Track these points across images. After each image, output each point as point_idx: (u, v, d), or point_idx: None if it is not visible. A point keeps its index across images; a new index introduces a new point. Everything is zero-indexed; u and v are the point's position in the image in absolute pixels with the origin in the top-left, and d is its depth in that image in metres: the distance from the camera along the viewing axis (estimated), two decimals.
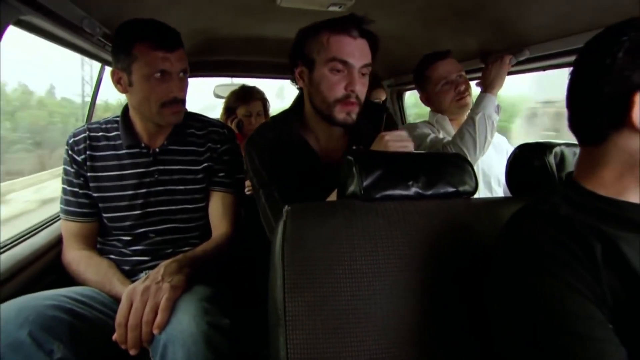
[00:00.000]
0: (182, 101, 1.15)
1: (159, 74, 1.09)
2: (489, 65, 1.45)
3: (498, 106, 1.41)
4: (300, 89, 1.17)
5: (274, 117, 1.24)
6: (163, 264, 1.00)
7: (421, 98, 1.65)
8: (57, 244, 1.25)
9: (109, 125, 1.22)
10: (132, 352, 0.90)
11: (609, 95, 0.60)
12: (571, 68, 0.67)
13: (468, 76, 1.62)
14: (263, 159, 1.12)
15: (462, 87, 1.53)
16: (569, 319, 0.53)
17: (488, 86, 1.42)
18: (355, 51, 1.02)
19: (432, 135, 1.51)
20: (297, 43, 1.09)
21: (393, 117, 1.36)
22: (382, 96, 2.47)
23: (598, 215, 0.61)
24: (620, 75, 0.58)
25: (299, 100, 1.18)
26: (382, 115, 1.22)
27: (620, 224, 0.59)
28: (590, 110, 0.63)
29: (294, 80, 1.16)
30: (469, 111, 1.44)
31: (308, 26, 1.08)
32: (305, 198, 0.94)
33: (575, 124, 0.67)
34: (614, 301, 0.55)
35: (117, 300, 1.02)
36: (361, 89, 1.05)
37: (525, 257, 0.59)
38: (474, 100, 1.48)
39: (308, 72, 1.07)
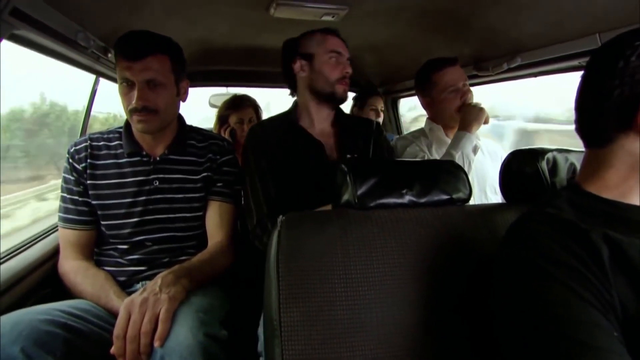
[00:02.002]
0: (148, 110, 1.13)
1: (124, 83, 1.13)
2: (467, 107, 1.47)
3: (476, 146, 1.42)
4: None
5: (277, 114, 1.46)
6: (160, 275, 1.00)
7: (422, 102, 1.63)
8: (52, 256, 1.24)
9: (110, 135, 1.24)
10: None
11: (619, 97, 0.60)
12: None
13: None
14: (259, 151, 1.28)
15: (466, 98, 1.51)
16: (572, 325, 0.53)
17: (467, 126, 1.44)
18: (343, 46, 1.34)
19: (420, 156, 1.51)
20: (291, 47, 1.36)
21: (384, 136, 1.48)
22: (381, 103, 2.47)
23: (603, 219, 0.61)
24: (631, 78, 0.59)
25: (296, 102, 1.43)
26: (371, 126, 1.46)
27: (625, 227, 0.59)
28: (599, 112, 0.63)
29: (288, 80, 1.41)
30: (448, 146, 1.45)
31: (292, 38, 1.37)
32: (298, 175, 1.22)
33: (582, 126, 0.68)
34: (622, 306, 0.55)
35: (112, 313, 1.02)
36: (350, 73, 1.35)
37: (530, 262, 0.59)
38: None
39: (308, 63, 1.33)
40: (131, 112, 1.13)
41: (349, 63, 1.34)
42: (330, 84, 1.31)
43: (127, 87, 1.12)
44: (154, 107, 1.13)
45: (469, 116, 1.44)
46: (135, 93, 1.11)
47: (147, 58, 1.10)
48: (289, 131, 1.32)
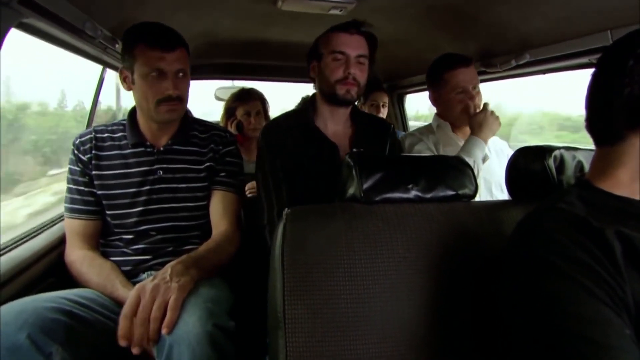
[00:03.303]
0: (180, 99, 1.19)
1: (155, 73, 1.14)
2: (486, 114, 1.43)
3: (486, 155, 1.41)
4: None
5: (291, 110, 1.46)
6: (169, 264, 1.01)
7: (430, 97, 1.62)
8: (57, 246, 1.25)
9: (114, 127, 1.26)
10: (135, 350, 0.90)
11: (629, 96, 0.60)
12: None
13: None
14: (274, 151, 1.29)
15: (475, 102, 1.48)
16: (583, 323, 0.52)
17: (482, 134, 1.41)
18: (352, 43, 1.26)
19: (427, 154, 1.50)
20: (313, 45, 1.35)
21: (397, 137, 1.48)
22: (383, 99, 2.47)
23: (615, 216, 0.60)
24: None
25: (312, 97, 1.41)
26: (387, 128, 1.45)
27: (638, 224, 0.58)
28: (610, 110, 0.63)
29: (308, 78, 1.40)
30: (460, 150, 1.42)
31: (317, 38, 1.34)
32: (311, 175, 1.24)
33: (592, 124, 0.67)
34: (636, 304, 0.54)
35: (118, 303, 1.03)
36: (358, 72, 1.27)
37: (542, 258, 0.58)
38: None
39: (318, 63, 1.32)
40: (161, 101, 1.16)
41: (357, 62, 1.27)
42: (330, 85, 1.28)
43: (157, 77, 1.15)
44: (182, 95, 1.20)
45: (486, 125, 1.42)
46: (167, 83, 1.15)
47: (177, 49, 1.16)
48: (303, 131, 1.31)
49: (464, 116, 1.50)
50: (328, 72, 1.27)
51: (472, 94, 1.48)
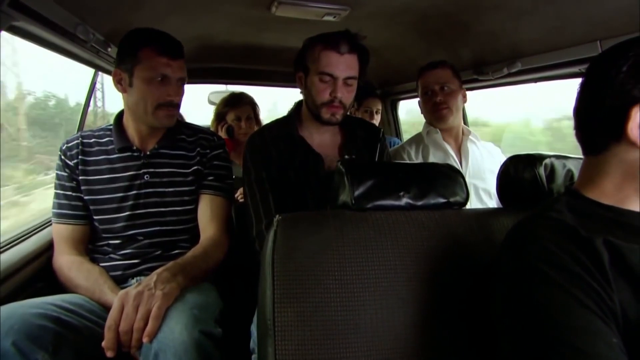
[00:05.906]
0: (177, 106, 1.22)
1: (159, 78, 1.16)
2: None
3: None
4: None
5: (276, 119, 1.39)
6: (156, 272, 1.00)
7: (419, 105, 1.67)
8: (46, 250, 1.24)
9: (101, 132, 1.26)
10: (109, 354, 0.89)
11: (610, 107, 0.61)
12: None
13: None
14: (259, 162, 1.25)
15: (437, 99, 1.52)
16: (572, 332, 0.53)
17: None
18: (341, 65, 1.19)
19: None
20: (300, 52, 1.28)
21: (385, 143, 1.44)
22: (376, 105, 2.47)
23: (603, 224, 0.61)
24: (621, 88, 0.60)
25: (299, 105, 1.36)
26: (377, 133, 1.40)
27: (626, 232, 0.59)
28: (593, 121, 0.64)
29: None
30: None
31: (310, 38, 1.25)
32: (295, 185, 1.22)
33: (579, 133, 0.68)
34: (623, 312, 0.55)
35: (106, 308, 1.01)
36: (345, 94, 1.22)
37: (533, 267, 0.59)
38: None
39: (304, 76, 1.26)
40: (161, 105, 1.18)
41: (345, 84, 1.20)
42: (316, 106, 1.23)
43: (160, 82, 1.17)
44: (180, 103, 1.24)
45: None
46: (170, 89, 1.18)
47: (181, 59, 1.20)
48: (288, 142, 1.27)
49: (431, 118, 1.57)
50: (314, 92, 1.22)
51: (436, 93, 1.53)
